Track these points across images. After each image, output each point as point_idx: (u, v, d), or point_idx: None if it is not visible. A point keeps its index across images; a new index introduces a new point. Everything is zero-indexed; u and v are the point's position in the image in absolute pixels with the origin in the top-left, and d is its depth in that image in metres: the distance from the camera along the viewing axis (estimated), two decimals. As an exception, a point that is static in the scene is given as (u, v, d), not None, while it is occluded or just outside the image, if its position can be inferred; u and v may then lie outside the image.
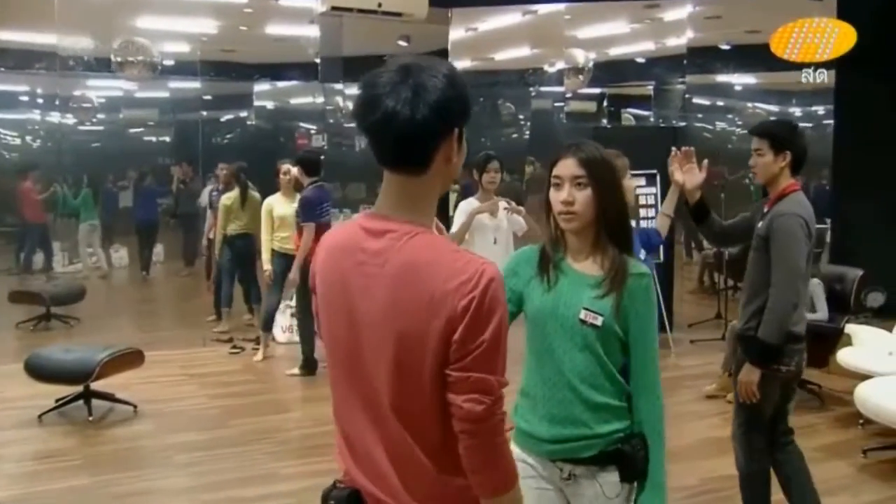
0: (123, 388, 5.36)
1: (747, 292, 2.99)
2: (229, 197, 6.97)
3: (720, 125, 8.49)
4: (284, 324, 7.11)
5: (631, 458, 1.82)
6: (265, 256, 6.27)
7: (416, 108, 1.29)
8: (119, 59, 7.44)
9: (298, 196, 6.03)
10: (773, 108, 8.11)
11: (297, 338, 6.40)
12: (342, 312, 1.40)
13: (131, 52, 7.36)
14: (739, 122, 8.25)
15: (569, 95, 9.09)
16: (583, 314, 1.82)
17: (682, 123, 8.38)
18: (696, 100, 8.45)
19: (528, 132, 9.61)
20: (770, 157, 2.93)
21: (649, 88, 8.77)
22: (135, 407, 5.20)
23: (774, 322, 2.83)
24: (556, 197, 1.88)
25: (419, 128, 1.30)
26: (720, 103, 8.51)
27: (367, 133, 1.35)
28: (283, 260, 6.17)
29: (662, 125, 8.54)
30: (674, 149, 2.86)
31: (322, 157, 6.13)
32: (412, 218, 1.36)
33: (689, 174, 2.89)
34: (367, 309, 1.36)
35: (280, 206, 6.29)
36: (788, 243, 2.83)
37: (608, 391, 1.84)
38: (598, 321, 1.81)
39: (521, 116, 9.77)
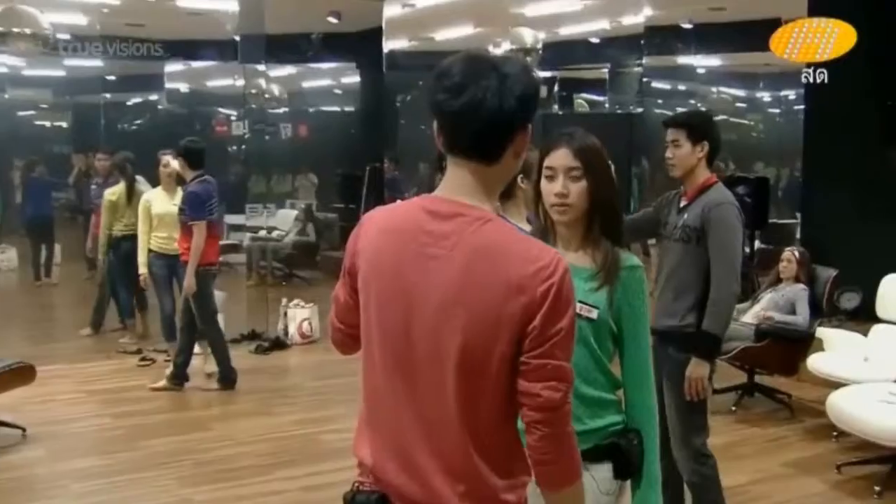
0: (11, 410, 5.13)
1: (675, 288, 3.08)
2: (114, 192, 6.69)
3: (682, 111, 8.44)
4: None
5: (627, 452, 1.90)
6: (141, 259, 6.09)
7: (503, 97, 1.39)
8: (1, 30, 6.96)
9: (180, 191, 5.83)
10: (740, 92, 8.11)
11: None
12: (398, 298, 1.45)
13: (15, 23, 6.90)
14: (703, 108, 8.22)
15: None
16: (577, 307, 1.81)
17: (640, 110, 8.38)
18: (655, 84, 8.43)
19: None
20: (688, 148, 3.05)
21: (604, 71, 8.73)
22: (23, 430, 4.97)
23: (721, 314, 2.97)
24: (549, 189, 1.97)
25: (504, 118, 1.40)
26: (681, 87, 8.49)
27: (447, 118, 1.43)
28: (164, 262, 6.00)
29: (619, 111, 8.52)
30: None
31: (204, 148, 5.82)
32: (482, 205, 1.44)
33: None
34: (432, 294, 1.41)
35: (159, 202, 6.08)
36: (729, 234, 2.96)
37: (601, 385, 1.94)
38: (594, 314, 1.91)
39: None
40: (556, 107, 9.05)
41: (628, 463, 1.91)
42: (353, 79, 9.51)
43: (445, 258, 1.42)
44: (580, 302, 1.88)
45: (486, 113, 1.40)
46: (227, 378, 5.94)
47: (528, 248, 1.42)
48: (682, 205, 3.10)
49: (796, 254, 5.70)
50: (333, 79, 9.56)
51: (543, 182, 2.00)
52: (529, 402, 1.41)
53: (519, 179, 2.58)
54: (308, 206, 9.30)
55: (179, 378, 5.91)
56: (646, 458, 1.92)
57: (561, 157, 1.97)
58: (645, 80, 8.36)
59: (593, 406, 1.92)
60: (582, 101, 9.17)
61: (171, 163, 5.97)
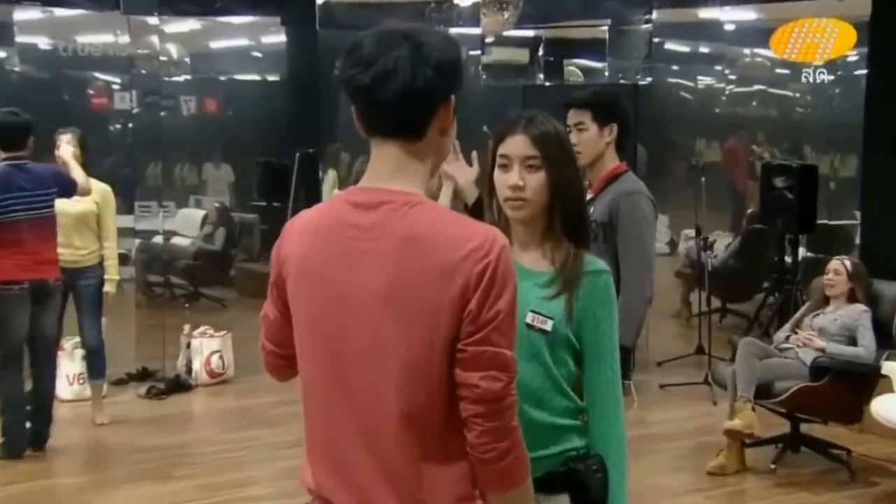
0: None
1: None
2: None
3: (703, 81, 8.44)
4: (71, 371, 6.75)
5: (585, 479, 2.02)
6: None
7: (416, 66, 1.60)
8: None
9: None
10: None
11: (88, 391, 6.47)
12: (329, 301, 1.66)
13: None
14: (732, 77, 8.15)
15: (489, 40, 9.03)
16: (529, 317, 2.03)
17: (648, 79, 8.32)
18: (668, 45, 8.41)
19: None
20: (594, 131, 3.28)
21: (603, 30, 8.66)
22: None
23: (633, 321, 3.11)
24: (503, 180, 2.12)
25: (419, 88, 1.61)
26: (703, 49, 8.48)
27: (357, 95, 1.66)
28: None
29: (622, 82, 8.48)
30: None
31: (19, 124, 5.46)
32: (408, 188, 1.65)
33: (459, 169, 3.15)
34: (366, 289, 1.62)
35: None
36: (641, 227, 3.21)
37: (558, 409, 2.06)
38: (548, 326, 2.04)
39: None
40: (540, 76, 8.99)
41: (587, 493, 2.02)
42: (278, 38, 9.36)
43: (375, 251, 1.62)
44: (533, 312, 2.03)
45: (397, 84, 1.60)
46: (14, 447, 5.53)
47: (460, 229, 1.63)
48: (587, 198, 3.21)
49: (847, 265, 5.60)
50: (251, 37, 9.44)
51: (497, 172, 2.14)
52: (468, 394, 1.60)
53: None
54: (220, 204, 9.19)
55: (11, 445, 5.55)
56: (610, 493, 2.03)
57: (517, 145, 2.11)
58: (655, 40, 8.34)
59: (546, 433, 2.03)
60: (574, 68, 9.09)
61: None
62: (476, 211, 3.11)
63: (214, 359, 7.24)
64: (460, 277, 1.58)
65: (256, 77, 9.49)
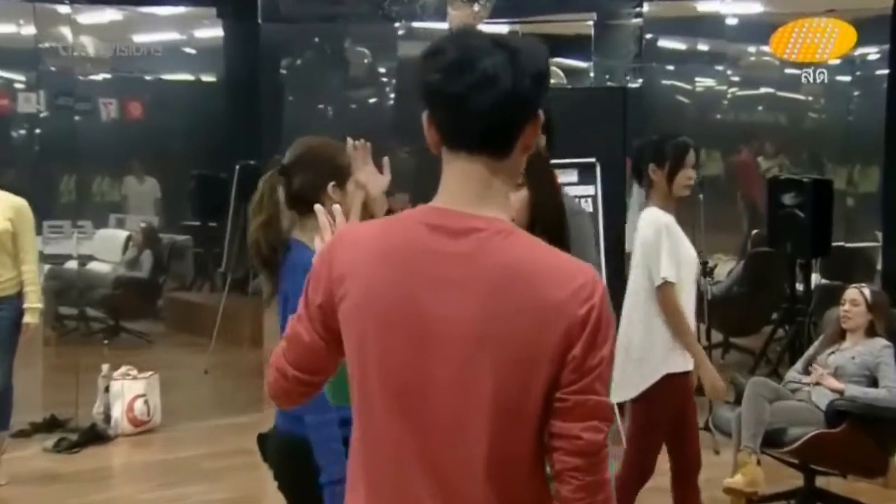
0: None
1: None
2: None
3: (701, 83, 8.49)
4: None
5: None
6: None
7: (517, 73, 1.66)
8: None
9: None
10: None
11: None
12: (407, 334, 1.71)
13: None
14: (734, 78, 8.19)
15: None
16: None
17: (639, 81, 8.36)
18: (662, 42, 8.45)
19: (392, 96, 9.72)
20: None
21: (587, 25, 8.69)
22: None
23: None
24: None
25: (519, 99, 1.68)
26: (702, 47, 8.53)
27: (444, 103, 1.70)
28: None
29: (609, 84, 8.54)
30: (350, 140, 3.17)
31: None
32: (495, 213, 1.72)
33: (371, 177, 3.23)
34: (454, 325, 1.68)
35: None
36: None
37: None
38: None
39: (381, 70, 9.82)
40: None
41: None
42: (213, 32, 9.37)
43: (466, 283, 1.68)
44: None
45: (496, 92, 1.66)
46: None
47: (562, 264, 1.72)
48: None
49: (865, 293, 5.57)
50: (182, 31, 9.38)
51: None
52: (567, 446, 1.68)
53: (329, 188, 2.95)
54: (146, 224, 9.14)
55: None
56: None
57: None
58: (647, 36, 8.36)
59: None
60: (555, 69, 9.05)
61: None
62: None
63: (138, 404, 7.10)
64: (564, 319, 1.66)
65: (189, 77, 9.45)
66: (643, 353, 4.32)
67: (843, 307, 5.57)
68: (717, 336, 7.63)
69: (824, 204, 6.55)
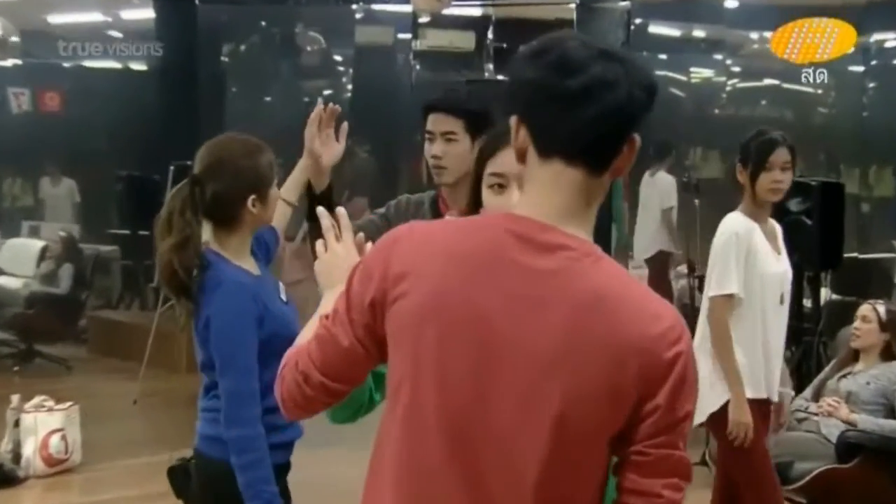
0: None
1: None
2: None
3: (698, 74, 8.55)
4: None
5: None
6: None
7: (631, 81, 1.70)
8: None
9: None
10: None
11: None
12: (472, 349, 1.73)
13: None
14: (735, 69, 8.28)
15: (422, 20, 9.24)
16: None
17: None
18: (652, 27, 8.56)
19: (349, 87, 9.84)
20: (467, 144, 3.30)
21: (569, 8, 8.78)
22: None
23: None
24: (499, 204, 2.18)
25: (631, 108, 1.70)
26: (697, 33, 8.62)
27: (554, 103, 1.72)
28: None
29: None
30: (320, 101, 3.27)
31: None
32: (586, 235, 1.76)
33: (326, 145, 3.30)
34: (525, 349, 1.70)
35: None
36: None
37: None
38: None
39: (336, 57, 9.92)
40: (490, 68, 9.13)
41: None
42: (144, 13, 9.43)
43: (547, 305, 1.70)
44: None
45: (612, 97, 1.68)
46: None
47: (650, 301, 1.74)
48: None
49: (880, 311, 5.61)
50: (107, 11, 9.41)
51: (489, 195, 2.22)
52: None
53: (249, 202, 2.93)
54: (65, 233, 9.14)
55: None
56: None
57: (514, 161, 2.07)
58: (637, 21, 8.44)
59: None
60: None
61: None
62: (322, 202, 3.12)
63: (54, 440, 6.88)
64: (647, 361, 1.68)
65: (115, 64, 9.45)
66: (712, 377, 4.30)
67: (854, 325, 5.61)
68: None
69: (835, 210, 6.57)
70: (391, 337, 1.80)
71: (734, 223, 4.43)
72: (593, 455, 1.72)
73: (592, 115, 1.69)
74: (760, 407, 4.24)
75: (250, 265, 3.06)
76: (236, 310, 2.90)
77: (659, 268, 8.66)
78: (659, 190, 8.28)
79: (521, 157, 1.78)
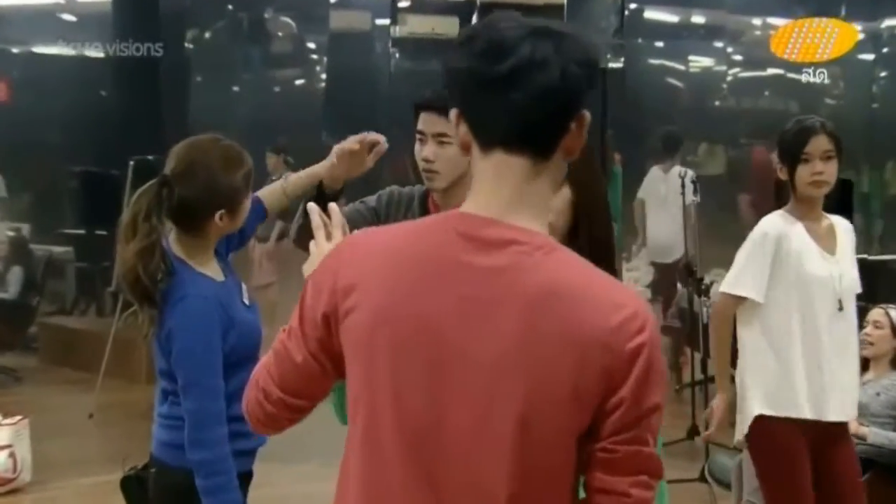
0: None
1: None
2: None
3: (697, 63, 8.61)
4: None
5: None
6: None
7: (564, 59, 1.71)
8: None
9: None
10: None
11: None
12: (428, 359, 1.75)
13: None
14: (736, 57, 8.33)
15: (402, 5, 9.35)
16: None
17: (620, 61, 8.48)
18: (648, 13, 8.58)
19: (323, 76, 9.83)
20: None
21: None
22: None
23: None
24: None
25: (567, 87, 1.72)
26: (696, 19, 8.65)
27: (482, 91, 1.75)
28: None
29: None
30: (381, 139, 3.39)
31: None
32: (536, 226, 1.77)
33: (357, 156, 3.44)
34: (478, 352, 1.73)
35: None
36: None
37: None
38: None
39: (309, 45, 9.94)
40: None
41: None
42: None
43: (499, 304, 1.72)
44: None
45: (544, 78, 1.70)
46: None
47: (610, 289, 1.76)
48: None
49: (892, 315, 5.61)
50: None
51: None
52: (610, 502, 1.74)
53: (217, 216, 2.94)
54: (14, 232, 9.13)
55: None
56: None
57: None
58: (631, 6, 8.47)
59: None
60: None
61: None
62: (328, 200, 3.09)
63: (1, 458, 6.82)
64: (609, 354, 1.69)
65: (68, 50, 9.39)
66: (742, 391, 4.25)
67: (864, 331, 5.61)
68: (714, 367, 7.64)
69: (843, 208, 6.51)
70: (346, 352, 1.83)
71: (767, 222, 4.37)
72: (562, 457, 1.73)
73: (524, 99, 1.71)
74: (802, 428, 4.08)
75: (213, 270, 3.06)
76: (201, 329, 2.92)
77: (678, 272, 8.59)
78: (676, 186, 8.25)
79: (466, 150, 1.81)
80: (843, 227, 4.37)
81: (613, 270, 2.30)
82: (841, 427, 4.09)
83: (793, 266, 4.25)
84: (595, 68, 1.78)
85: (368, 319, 1.79)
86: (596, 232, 2.32)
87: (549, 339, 1.69)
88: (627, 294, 1.78)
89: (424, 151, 3.32)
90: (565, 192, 2.30)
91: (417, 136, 3.34)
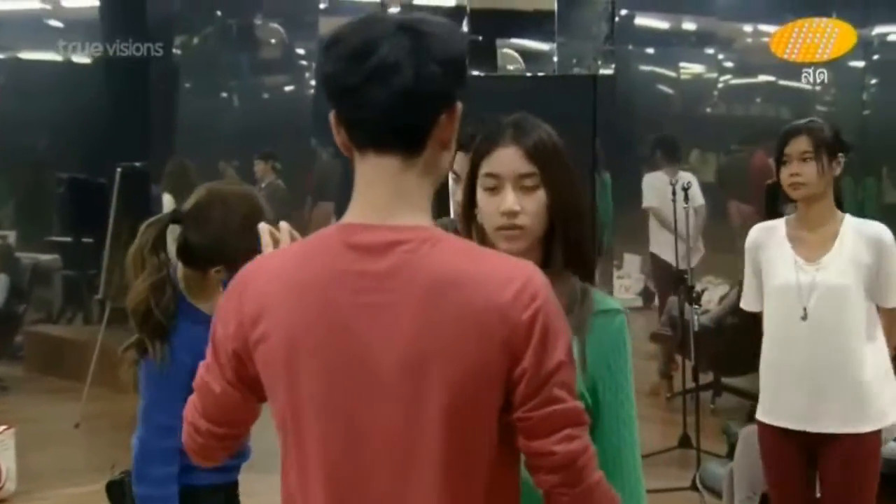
0: None
1: None
2: None
3: (688, 70, 8.62)
4: None
5: None
6: None
7: (420, 61, 1.78)
8: None
9: None
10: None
11: None
12: (342, 374, 1.82)
13: None
14: (728, 64, 8.34)
15: (391, 11, 9.03)
16: None
17: (611, 67, 8.49)
18: (639, 20, 8.60)
19: (312, 83, 9.82)
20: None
21: None
22: None
23: None
24: (494, 205, 2.31)
25: (423, 88, 1.79)
26: (687, 26, 8.66)
27: (344, 97, 1.83)
28: None
29: (576, 71, 8.71)
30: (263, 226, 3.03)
31: None
32: (419, 220, 1.84)
33: None
34: (388, 354, 1.79)
35: None
36: None
37: None
38: None
39: (299, 51, 9.96)
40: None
41: None
42: (88, 0, 9.46)
43: (394, 305, 1.79)
44: None
45: (399, 81, 1.77)
46: None
47: (497, 267, 1.84)
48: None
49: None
50: None
51: (484, 196, 2.32)
52: (543, 464, 1.84)
53: (214, 270, 2.92)
54: (1, 240, 9.18)
55: None
56: None
57: (508, 160, 2.28)
58: (622, 13, 8.48)
59: None
60: (511, 51, 9.20)
61: None
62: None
63: None
64: (506, 328, 1.78)
65: (55, 56, 9.36)
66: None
67: None
68: (706, 376, 7.67)
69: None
70: (264, 378, 1.89)
71: (749, 233, 4.41)
72: (485, 436, 1.81)
73: (383, 101, 1.78)
74: (780, 435, 4.09)
75: (210, 305, 2.96)
76: (170, 363, 2.90)
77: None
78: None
79: (348, 151, 1.86)
80: (858, 235, 4.16)
81: (590, 274, 2.39)
82: (831, 437, 3.98)
83: (766, 275, 4.25)
84: (456, 64, 1.83)
85: (282, 345, 1.84)
86: (571, 235, 2.34)
87: (450, 325, 1.77)
88: (517, 265, 1.84)
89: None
90: (540, 196, 2.32)
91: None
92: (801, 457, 4.07)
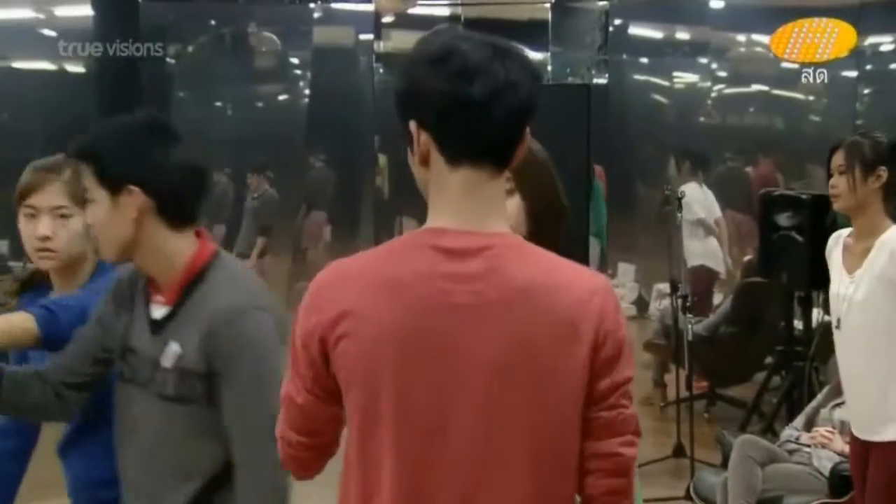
0: None
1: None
2: None
3: (681, 79, 8.62)
4: None
5: None
6: None
7: (531, 78, 1.89)
8: None
9: None
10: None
11: None
12: (430, 371, 1.86)
13: None
14: (721, 73, 8.32)
15: (386, 20, 9.32)
16: None
17: (605, 77, 8.51)
18: (632, 29, 8.60)
19: (307, 92, 9.80)
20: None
21: (544, 8, 8.83)
22: None
23: None
24: None
25: (532, 105, 1.89)
26: (681, 35, 8.64)
27: (461, 111, 1.85)
28: None
29: (570, 80, 8.73)
30: None
31: None
32: (503, 227, 1.92)
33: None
34: (475, 354, 1.85)
35: None
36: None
37: None
38: None
39: (293, 61, 9.92)
40: None
41: None
42: (81, 10, 9.34)
43: (482, 306, 1.85)
44: None
45: (517, 98, 1.86)
46: None
47: (576, 276, 1.93)
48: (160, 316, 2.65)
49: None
50: (39, 7, 9.33)
51: None
52: (606, 466, 1.92)
53: None
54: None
55: None
56: None
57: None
58: (616, 23, 8.48)
59: None
60: None
61: None
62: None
63: None
64: (587, 334, 1.87)
65: (48, 66, 9.40)
66: None
67: None
68: (700, 385, 7.63)
69: (826, 225, 6.51)
70: (341, 379, 1.90)
71: (830, 239, 4.49)
72: (569, 437, 1.89)
73: (501, 119, 1.85)
74: (853, 443, 4.21)
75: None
76: None
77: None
78: (709, 203, 8.19)
79: (425, 162, 1.90)
80: (881, 246, 4.17)
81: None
82: (873, 444, 4.03)
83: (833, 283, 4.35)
84: (539, 83, 1.97)
85: (364, 341, 1.87)
86: (551, 236, 2.35)
87: (537, 330, 1.84)
88: (593, 277, 1.95)
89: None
90: (516, 201, 2.38)
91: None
92: (862, 462, 4.13)
